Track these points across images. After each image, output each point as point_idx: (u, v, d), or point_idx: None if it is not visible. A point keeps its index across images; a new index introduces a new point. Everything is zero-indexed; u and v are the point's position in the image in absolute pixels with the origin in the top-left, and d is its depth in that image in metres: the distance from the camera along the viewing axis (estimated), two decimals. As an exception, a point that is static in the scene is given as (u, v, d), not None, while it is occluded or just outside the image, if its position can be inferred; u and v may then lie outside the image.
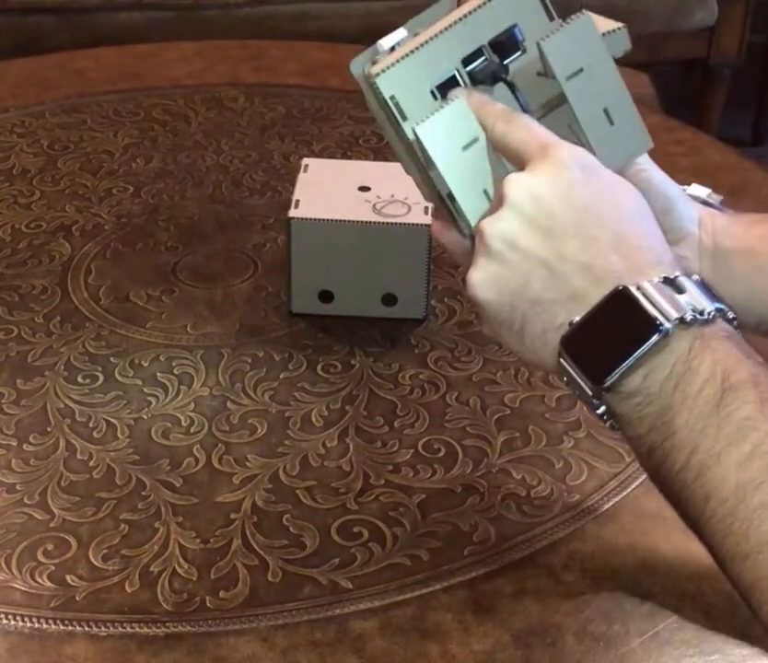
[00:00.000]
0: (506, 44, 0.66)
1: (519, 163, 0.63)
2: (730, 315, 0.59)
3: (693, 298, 0.58)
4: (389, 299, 0.98)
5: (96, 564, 0.73)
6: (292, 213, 0.97)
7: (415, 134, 0.64)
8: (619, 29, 0.68)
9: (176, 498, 0.79)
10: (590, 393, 0.59)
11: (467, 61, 0.66)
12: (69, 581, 0.72)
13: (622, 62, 0.66)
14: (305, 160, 1.06)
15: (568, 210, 0.60)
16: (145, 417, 0.86)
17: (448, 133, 0.64)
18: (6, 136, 1.30)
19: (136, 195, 1.18)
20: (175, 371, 0.91)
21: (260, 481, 0.80)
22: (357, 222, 0.96)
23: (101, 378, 0.91)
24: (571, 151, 0.62)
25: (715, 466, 0.56)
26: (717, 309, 0.58)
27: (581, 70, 0.64)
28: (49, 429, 0.85)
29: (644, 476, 0.78)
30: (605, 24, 0.68)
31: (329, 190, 1.00)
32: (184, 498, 0.79)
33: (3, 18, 2.23)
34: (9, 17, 2.24)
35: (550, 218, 0.60)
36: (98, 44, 1.71)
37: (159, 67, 1.51)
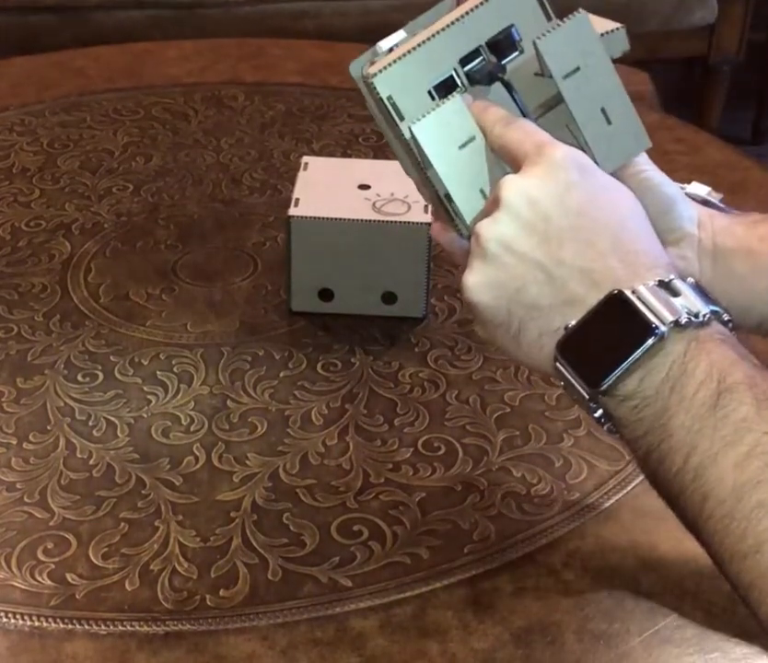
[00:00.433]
0: (503, 44, 0.66)
1: (516, 165, 0.63)
2: (725, 317, 0.59)
3: (689, 301, 0.58)
4: (389, 298, 0.98)
5: (96, 562, 0.73)
6: (292, 211, 0.97)
7: (411, 133, 0.64)
8: (617, 29, 0.67)
9: (176, 497, 0.79)
10: (587, 397, 0.59)
11: (464, 61, 0.66)
12: (69, 579, 0.72)
13: (621, 60, 0.66)
14: (305, 158, 1.06)
15: (564, 213, 0.60)
16: (145, 416, 0.86)
17: (444, 131, 0.64)
18: (6, 135, 1.30)
19: (136, 194, 1.18)
20: (175, 369, 0.91)
21: (260, 479, 0.80)
22: (357, 220, 0.96)
23: (101, 376, 0.91)
24: (566, 152, 0.62)
25: (712, 467, 0.56)
26: (712, 312, 0.58)
27: (578, 69, 0.64)
28: (49, 428, 0.85)
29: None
30: (603, 24, 0.68)
31: (329, 188, 1.00)
32: (184, 497, 0.79)
33: (3, 17, 2.23)
34: (9, 15, 2.24)
35: (546, 221, 0.60)
36: (97, 43, 1.70)
37: (159, 66, 1.51)
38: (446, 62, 0.65)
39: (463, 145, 0.64)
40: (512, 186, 0.61)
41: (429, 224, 0.94)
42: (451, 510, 0.78)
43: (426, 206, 0.95)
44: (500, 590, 0.72)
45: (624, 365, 0.57)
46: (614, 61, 0.66)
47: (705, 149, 1.28)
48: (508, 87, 0.66)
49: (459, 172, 0.64)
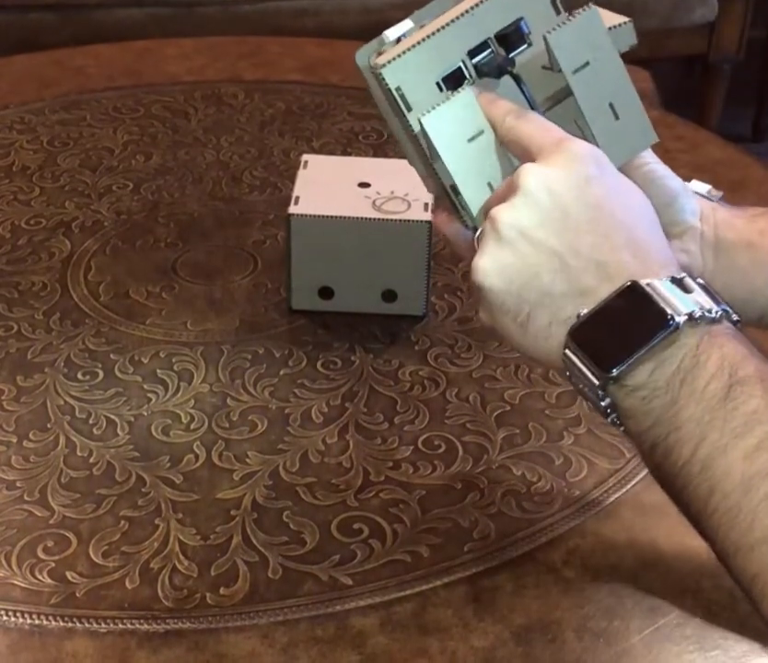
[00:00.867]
0: (512, 37, 0.66)
1: (528, 157, 0.63)
2: (734, 317, 0.60)
3: (701, 298, 0.59)
4: (389, 296, 0.98)
5: (96, 560, 0.73)
6: (292, 209, 0.96)
7: (421, 125, 0.64)
8: (625, 23, 0.67)
9: (176, 495, 0.79)
10: (596, 384, 0.59)
11: (473, 53, 0.66)
12: (69, 578, 0.72)
13: (622, 57, 0.66)
14: (304, 157, 1.06)
15: (583, 205, 0.60)
16: (145, 414, 0.86)
17: (453, 124, 0.64)
18: (6, 133, 1.30)
19: (136, 192, 1.18)
20: (175, 368, 0.91)
21: (260, 477, 0.80)
22: (357, 218, 0.96)
23: (101, 374, 0.91)
24: (585, 147, 0.62)
25: (720, 458, 0.56)
26: (723, 310, 0.59)
27: (587, 64, 0.64)
28: (49, 426, 0.85)
29: (644, 472, 0.78)
30: (611, 18, 0.67)
31: (329, 186, 1.00)
32: (184, 495, 0.79)
33: (3, 15, 2.23)
34: (9, 13, 2.24)
35: (564, 212, 0.60)
36: (97, 41, 1.70)
37: (159, 64, 1.51)
38: (454, 54, 0.65)
39: (472, 139, 0.64)
40: (532, 174, 0.61)
41: (429, 222, 0.94)
42: (451, 508, 0.78)
43: (426, 204, 0.95)
44: (500, 588, 0.72)
45: (639, 352, 0.57)
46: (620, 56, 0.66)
47: (706, 147, 1.28)
48: (517, 79, 0.66)
49: (467, 165, 0.64)
